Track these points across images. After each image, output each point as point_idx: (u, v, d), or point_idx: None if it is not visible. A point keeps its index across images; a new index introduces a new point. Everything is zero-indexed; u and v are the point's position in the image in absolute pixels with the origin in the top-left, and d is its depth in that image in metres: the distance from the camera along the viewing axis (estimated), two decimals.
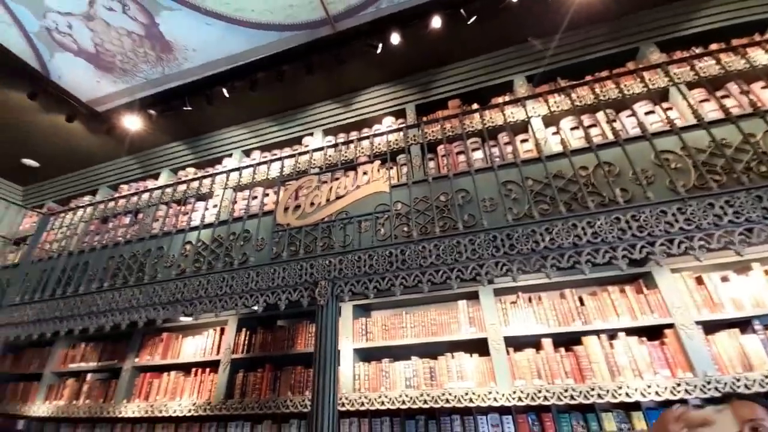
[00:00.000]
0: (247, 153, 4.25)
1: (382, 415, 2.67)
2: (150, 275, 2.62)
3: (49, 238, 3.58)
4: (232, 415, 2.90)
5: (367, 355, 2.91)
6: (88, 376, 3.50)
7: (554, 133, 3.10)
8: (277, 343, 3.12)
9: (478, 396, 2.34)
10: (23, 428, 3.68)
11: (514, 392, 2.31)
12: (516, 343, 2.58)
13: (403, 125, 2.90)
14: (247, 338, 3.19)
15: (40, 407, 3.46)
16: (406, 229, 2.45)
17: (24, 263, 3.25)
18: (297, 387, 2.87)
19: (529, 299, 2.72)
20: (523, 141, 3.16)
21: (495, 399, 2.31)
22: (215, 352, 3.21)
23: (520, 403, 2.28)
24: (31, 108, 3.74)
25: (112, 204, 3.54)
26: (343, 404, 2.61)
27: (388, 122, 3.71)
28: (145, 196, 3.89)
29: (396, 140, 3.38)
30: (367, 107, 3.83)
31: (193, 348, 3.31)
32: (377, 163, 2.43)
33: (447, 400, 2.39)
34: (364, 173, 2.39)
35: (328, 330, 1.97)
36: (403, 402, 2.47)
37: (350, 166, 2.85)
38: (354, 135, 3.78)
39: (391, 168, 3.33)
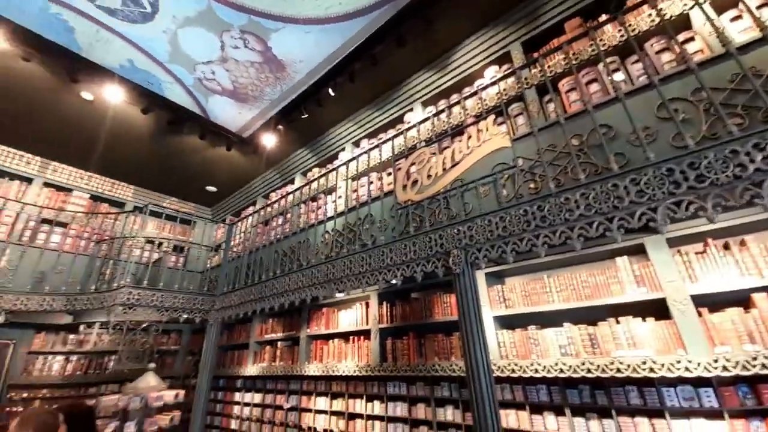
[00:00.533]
0: (356, 143, 4.55)
1: (537, 382, 2.55)
2: (306, 262, 3.13)
3: (234, 242, 4.67)
4: (389, 376, 3.27)
5: (508, 322, 2.80)
6: (279, 344, 4.49)
7: (733, 19, 2.22)
8: (415, 313, 3.31)
9: (662, 365, 1.96)
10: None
11: (716, 360, 1.84)
12: (710, 302, 2.04)
13: (510, 70, 2.57)
14: (388, 310, 3.50)
15: (250, 368, 4.64)
16: (532, 185, 2.22)
17: (223, 263, 4.33)
18: (442, 353, 3.00)
19: (725, 246, 2.10)
20: (686, 41, 2.37)
21: (687, 369, 1.90)
22: (365, 322, 3.64)
23: (726, 374, 1.81)
24: (203, 146, 4.89)
25: (269, 210, 4.35)
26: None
27: (491, 73, 3.35)
28: (289, 198, 4.62)
29: (504, 90, 3.03)
30: (465, 63, 3.54)
31: (347, 319, 3.84)
32: (491, 118, 2.22)
33: (618, 370, 2.09)
34: (479, 131, 2.23)
35: (468, 297, 1.96)
36: (561, 371, 2.29)
37: (462, 129, 2.70)
38: (455, 99, 3.57)
39: (502, 123, 3.03)
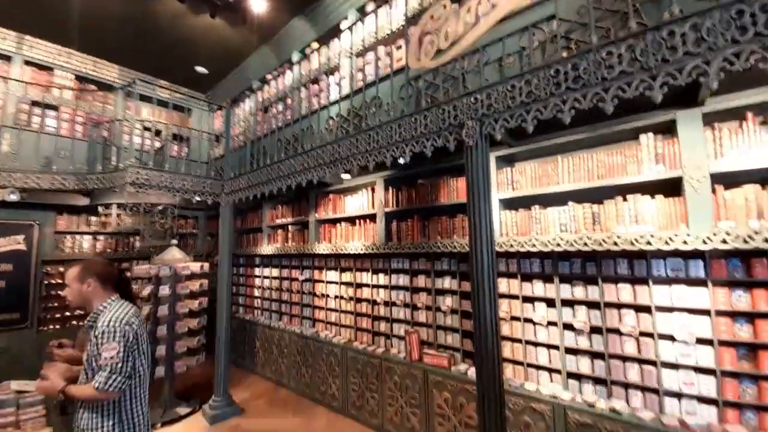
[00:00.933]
0: (361, 10, 3.89)
1: (532, 256, 2.72)
2: (311, 146, 3.02)
3: (235, 132, 4.47)
4: (393, 253, 3.53)
5: (512, 204, 2.84)
6: (289, 228, 4.77)
7: None
8: (421, 197, 3.36)
9: (659, 239, 2.03)
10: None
11: (716, 234, 1.88)
12: (729, 180, 1.99)
13: None
14: (394, 195, 3.56)
15: (265, 248, 5.04)
16: (565, 54, 1.93)
17: (226, 150, 4.23)
18: (444, 232, 3.15)
19: (763, 122, 1.93)
20: None
21: (685, 242, 1.96)
22: (371, 206, 3.75)
23: (723, 246, 1.87)
24: (184, 11, 4.23)
25: (267, 95, 4.02)
26: None
27: None
28: (288, 80, 4.21)
29: None
30: None
31: (353, 204, 3.96)
32: None
33: (615, 243, 2.18)
34: None
35: (479, 172, 1.91)
36: (558, 245, 2.41)
37: None
38: None
39: None
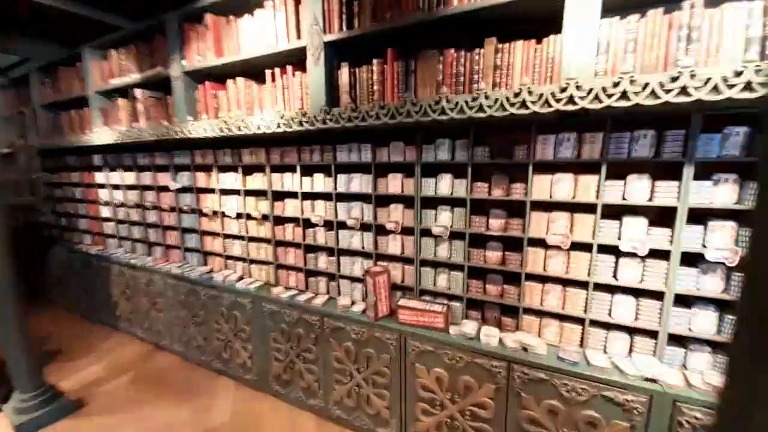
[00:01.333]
0: None
1: (643, 124, 1.35)
2: None
3: None
4: (342, 130, 1.83)
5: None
6: (138, 93, 2.58)
7: None
8: (402, 6, 1.59)
9: None
10: None
11: None
12: None
13: None
14: (342, 5, 1.70)
15: (100, 135, 2.82)
16: None
17: None
18: (451, 80, 1.55)
19: None
20: None
21: None
22: (294, 35, 1.84)
23: None
24: None
25: None
26: (572, 99, 1.29)
27: None
28: None
29: None
30: None
31: (255, 34, 1.97)
32: None
33: None
34: None
35: None
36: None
37: None
38: None
39: None
